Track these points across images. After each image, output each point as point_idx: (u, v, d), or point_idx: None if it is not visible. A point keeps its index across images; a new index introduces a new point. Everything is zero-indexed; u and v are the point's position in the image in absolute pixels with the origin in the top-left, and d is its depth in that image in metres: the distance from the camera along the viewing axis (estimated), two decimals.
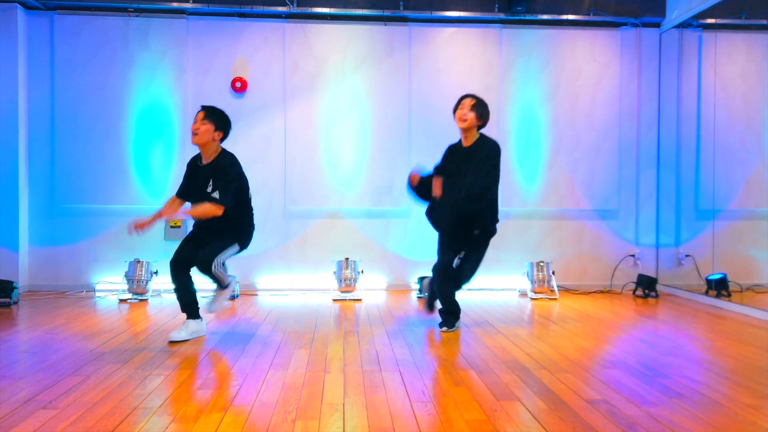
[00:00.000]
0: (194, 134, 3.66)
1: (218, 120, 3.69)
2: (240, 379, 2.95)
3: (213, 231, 3.74)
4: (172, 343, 3.65)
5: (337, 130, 5.93)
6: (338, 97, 5.93)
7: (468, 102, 4.00)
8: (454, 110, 4.07)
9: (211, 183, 3.65)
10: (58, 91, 5.72)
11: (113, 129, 5.76)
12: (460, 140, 4.14)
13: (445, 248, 4.08)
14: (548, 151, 6.08)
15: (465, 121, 3.97)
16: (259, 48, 5.88)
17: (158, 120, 5.81)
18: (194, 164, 3.85)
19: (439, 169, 4.11)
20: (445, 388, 2.82)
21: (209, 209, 3.61)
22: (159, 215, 3.72)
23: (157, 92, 5.80)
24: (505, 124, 6.04)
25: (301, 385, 2.85)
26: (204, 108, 3.73)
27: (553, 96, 6.07)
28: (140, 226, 3.61)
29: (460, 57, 6.01)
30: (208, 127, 3.64)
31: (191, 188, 3.80)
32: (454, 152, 4.14)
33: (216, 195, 3.62)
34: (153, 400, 2.61)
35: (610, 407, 2.56)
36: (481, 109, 4.00)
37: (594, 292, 5.94)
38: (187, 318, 3.81)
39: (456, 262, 4.01)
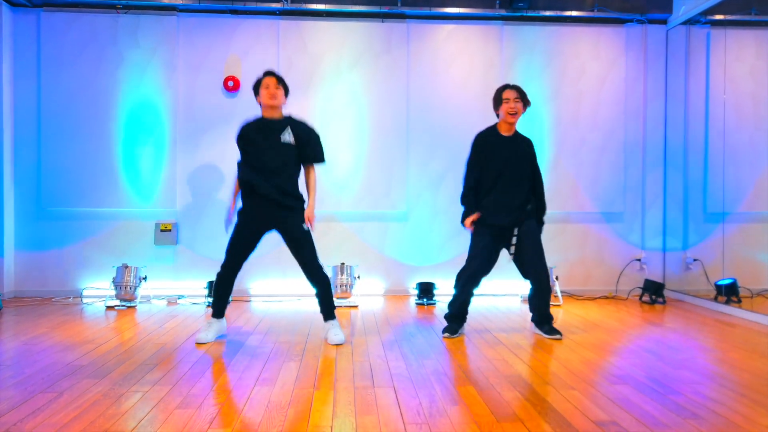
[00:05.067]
0: (273, 97, 3.75)
1: (286, 87, 3.89)
2: (223, 396, 2.76)
3: (289, 210, 3.90)
4: (200, 344, 3.74)
5: (332, 130, 5.75)
6: (334, 96, 5.75)
7: (513, 94, 3.98)
8: (497, 104, 4.02)
9: (288, 131, 3.81)
10: (45, 91, 5.54)
11: (102, 129, 5.58)
12: (492, 130, 4.06)
13: (484, 251, 3.98)
14: (551, 152, 5.88)
15: (516, 113, 3.98)
16: (252, 46, 5.69)
17: (148, 119, 5.62)
18: (255, 126, 3.83)
19: (481, 166, 4.03)
20: (441, 408, 2.62)
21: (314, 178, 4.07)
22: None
23: (146, 91, 5.62)
24: None
25: (287, 403, 2.66)
26: (273, 74, 3.83)
27: (555, 95, 5.88)
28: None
29: (460, 55, 5.82)
30: (282, 92, 3.81)
31: (258, 148, 3.80)
32: (495, 143, 4.03)
33: (290, 139, 3.82)
34: (126, 422, 2.42)
35: (620, 430, 2.37)
36: (525, 98, 4.01)
37: (599, 297, 5.74)
38: (213, 316, 3.87)
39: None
